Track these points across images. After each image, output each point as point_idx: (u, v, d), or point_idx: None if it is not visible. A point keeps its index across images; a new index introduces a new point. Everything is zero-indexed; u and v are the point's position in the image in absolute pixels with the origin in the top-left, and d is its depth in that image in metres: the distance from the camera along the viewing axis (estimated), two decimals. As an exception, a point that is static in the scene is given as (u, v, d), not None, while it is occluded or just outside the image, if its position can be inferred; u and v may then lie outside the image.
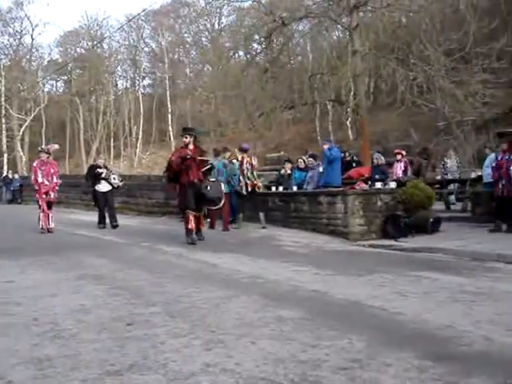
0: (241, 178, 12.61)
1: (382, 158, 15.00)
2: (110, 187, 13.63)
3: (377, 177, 13.61)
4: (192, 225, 10.00)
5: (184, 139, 10.34)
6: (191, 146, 10.18)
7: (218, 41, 50.97)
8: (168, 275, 6.81)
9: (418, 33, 23.87)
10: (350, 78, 25.29)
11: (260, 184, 13.25)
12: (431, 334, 4.13)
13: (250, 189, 12.60)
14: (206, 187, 10.16)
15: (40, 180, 12.58)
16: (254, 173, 12.88)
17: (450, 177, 16.68)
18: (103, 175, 13.54)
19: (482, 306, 5.00)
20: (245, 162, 12.74)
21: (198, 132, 11.57)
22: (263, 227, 12.38)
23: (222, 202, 10.95)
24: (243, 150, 13.04)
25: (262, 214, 12.63)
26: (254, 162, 13.08)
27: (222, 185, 11.41)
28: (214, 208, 11.18)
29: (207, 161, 10.73)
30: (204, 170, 10.20)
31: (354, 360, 3.51)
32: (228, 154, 13.55)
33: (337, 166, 12.72)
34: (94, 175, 13.70)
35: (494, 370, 3.31)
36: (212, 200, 10.47)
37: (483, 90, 20.38)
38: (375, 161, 14.93)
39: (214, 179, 10.86)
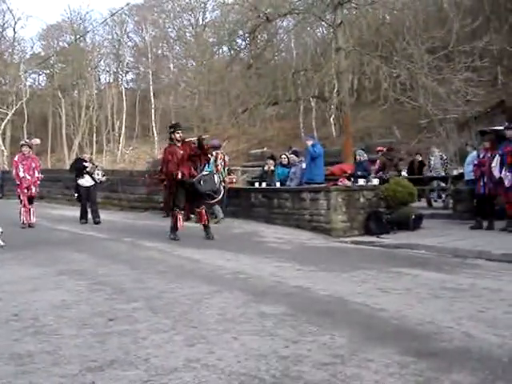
0: (215, 174, 12.69)
1: (365, 154, 15.07)
2: (93, 182, 13.61)
3: (359, 173, 13.67)
4: (180, 223, 9.99)
5: (176, 135, 10.19)
6: (179, 144, 10.12)
7: (202, 36, 50.52)
8: (150, 271, 6.78)
9: (401, 30, 23.90)
10: (334, 75, 25.29)
11: (233, 180, 13.74)
12: (412, 330, 4.16)
13: (223, 184, 12.73)
14: (199, 182, 10.03)
15: (21, 174, 12.45)
16: (226, 169, 13.17)
17: (433, 174, 16.81)
18: (88, 169, 13.50)
19: (463, 302, 5.04)
20: (219, 158, 12.97)
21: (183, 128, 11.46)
22: (216, 222, 12.44)
23: (221, 194, 10.89)
24: (215, 147, 13.16)
25: (218, 208, 12.77)
26: (227, 158, 13.49)
27: (216, 176, 11.37)
28: (212, 201, 11.06)
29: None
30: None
31: (336, 356, 3.53)
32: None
33: (320, 163, 12.75)
34: (78, 168, 13.68)
35: (474, 366, 3.34)
36: (207, 194, 10.35)
37: (465, 88, 20.48)
38: (358, 157, 14.99)
39: (206, 172, 10.70)
